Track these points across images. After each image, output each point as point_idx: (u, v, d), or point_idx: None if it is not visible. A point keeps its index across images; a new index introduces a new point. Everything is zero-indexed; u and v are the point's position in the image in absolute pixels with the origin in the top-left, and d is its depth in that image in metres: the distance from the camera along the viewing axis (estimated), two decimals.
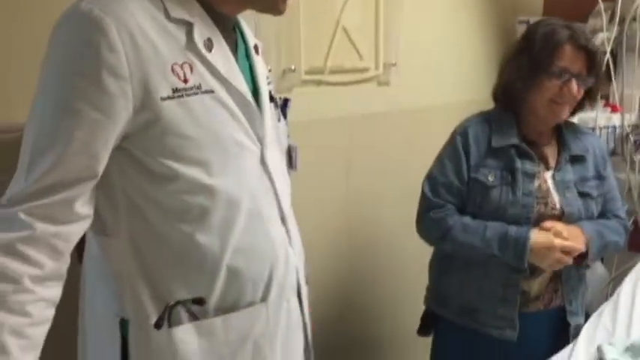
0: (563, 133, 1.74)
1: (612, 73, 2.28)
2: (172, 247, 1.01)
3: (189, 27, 0.99)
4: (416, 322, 1.90)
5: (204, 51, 1.00)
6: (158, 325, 1.01)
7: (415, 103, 2.34)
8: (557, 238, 1.61)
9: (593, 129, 2.25)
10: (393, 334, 2.31)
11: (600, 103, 2.30)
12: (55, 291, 0.93)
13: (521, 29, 2.53)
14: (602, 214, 1.76)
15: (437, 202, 1.72)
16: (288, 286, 1.13)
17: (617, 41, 2.31)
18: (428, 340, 1.91)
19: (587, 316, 1.80)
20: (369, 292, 2.31)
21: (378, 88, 2.25)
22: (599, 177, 1.75)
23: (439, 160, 1.77)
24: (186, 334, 1.02)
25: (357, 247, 2.25)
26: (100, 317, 1.08)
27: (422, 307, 1.90)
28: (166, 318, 1.02)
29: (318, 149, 1.97)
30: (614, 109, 2.34)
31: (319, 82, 2.05)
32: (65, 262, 0.94)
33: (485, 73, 2.60)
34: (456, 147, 1.72)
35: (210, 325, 1.04)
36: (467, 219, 1.69)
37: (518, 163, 1.67)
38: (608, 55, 2.23)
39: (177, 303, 1.02)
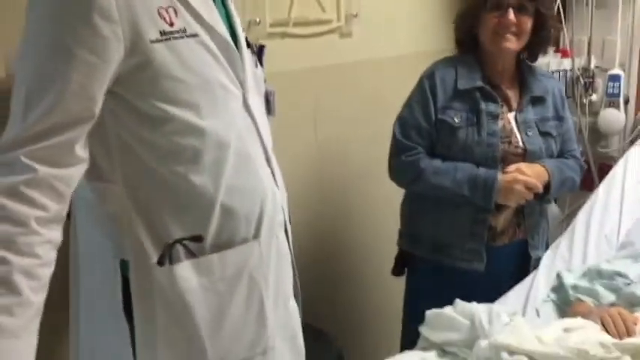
0: (524, 76, 1.84)
1: (562, 19, 2.37)
2: (168, 188, 1.05)
3: None
4: (390, 262, 1.99)
5: None
6: (161, 263, 1.05)
7: (377, 54, 2.38)
8: (521, 175, 1.72)
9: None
10: (369, 273, 2.39)
11: (551, 48, 2.41)
12: (58, 234, 0.95)
13: None
14: (560, 154, 1.88)
15: (408, 145, 1.79)
16: (277, 223, 1.19)
17: None
18: (403, 279, 2.01)
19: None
20: (344, 234, 2.38)
21: (340, 40, 2.28)
22: (559, 118, 1.86)
23: (408, 103, 1.85)
24: (185, 271, 1.06)
25: (328, 192, 2.31)
26: (98, 261, 1.11)
27: (394, 248, 1.99)
28: (167, 256, 1.05)
29: (284, 100, 2.00)
30: (564, 54, 2.45)
31: (284, 35, 2.07)
32: (66, 205, 0.96)
33: (447, 23, 2.66)
34: (424, 90, 1.80)
35: (208, 262, 1.08)
36: (437, 162, 1.78)
37: (483, 105, 1.76)
38: (558, 1, 2.32)
39: (176, 241, 1.06)
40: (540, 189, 1.74)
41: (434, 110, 1.78)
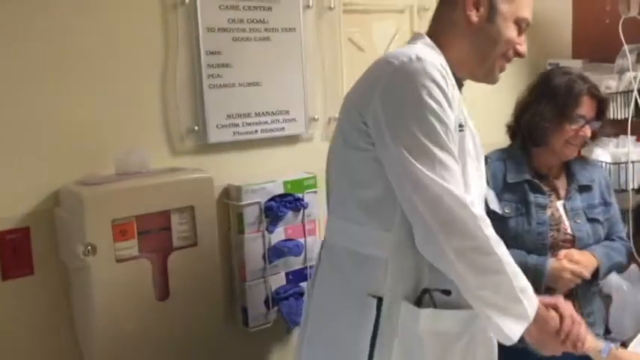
0: (571, 166, 1.96)
1: None
2: None
3: (453, 87, 1.31)
4: None
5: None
6: (417, 304, 1.27)
7: None
8: (569, 263, 1.82)
9: (626, 163, 2.36)
10: None
11: (632, 138, 2.40)
12: None
13: None
14: (607, 236, 1.97)
15: None
16: None
17: None
18: None
19: (606, 329, 2.00)
20: None
21: None
22: (605, 203, 1.96)
23: None
24: (428, 316, 1.26)
25: None
26: (354, 295, 1.33)
27: None
28: (419, 300, 1.28)
29: None
30: None
31: None
32: None
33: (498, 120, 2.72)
34: None
35: (444, 315, 1.27)
36: None
37: (531, 197, 1.87)
38: (635, 92, 2.34)
39: (428, 290, 1.28)
40: (587, 276, 1.83)
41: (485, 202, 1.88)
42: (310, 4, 2.10)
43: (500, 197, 1.88)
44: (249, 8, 1.98)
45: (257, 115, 2.01)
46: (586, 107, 1.87)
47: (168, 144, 1.89)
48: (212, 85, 1.92)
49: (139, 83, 1.82)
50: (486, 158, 1.92)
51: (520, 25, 1.37)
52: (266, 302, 1.99)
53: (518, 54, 1.39)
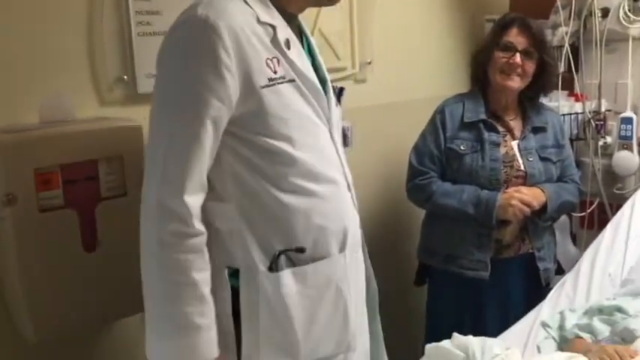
0: (526, 110, 2.09)
1: (572, 64, 2.43)
2: (270, 208, 1.23)
3: (273, 29, 1.21)
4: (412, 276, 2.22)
5: (285, 49, 1.22)
6: (269, 270, 1.24)
7: (389, 99, 2.49)
8: (517, 193, 1.94)
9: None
10: (394, 286, 2.39)
11: (564, 92, 2.46)
12: None
13: (489, 27, 2.69)
14: (560, 178, 2.10)
15: (422, 170, 2.04)
16: (357, 241, 1.38)
17: (577, 35, 2.47)
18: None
19: (559, 266, 2.13)
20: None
21: (355, 86, 2.40)
22: (558, 146, 2.09)
23: (422, 135, 2.10)
24: (287, 278, 1.24)
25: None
26: (216, 270, 1.26)
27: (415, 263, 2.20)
28: (274, 264, 1.24)
29: None
30: (576, 98, 2.49)
31: None
32: None
33: (456, 69, 2.76)
34: (435, 123, 2.08)
35: (304, 271, 1.26)
36: (447, 185, 2.03)
37: (486, 135, 2.01)
38: (567, 47, 2.39)
39: (282, 252, 1.24)
40: (535, 205, 1.95)
41: (444, 140, 2.04)
42: None
43: (457, 136, 2.02)
44: None
45: None
46: (514, 35, 1.97)
47: (96, 93, 1.82)
48: (141, 32, 1.86)
49: (63, 30, 1.74)
50: (443, 104, 2.08)
51: None
52: None
53: None
